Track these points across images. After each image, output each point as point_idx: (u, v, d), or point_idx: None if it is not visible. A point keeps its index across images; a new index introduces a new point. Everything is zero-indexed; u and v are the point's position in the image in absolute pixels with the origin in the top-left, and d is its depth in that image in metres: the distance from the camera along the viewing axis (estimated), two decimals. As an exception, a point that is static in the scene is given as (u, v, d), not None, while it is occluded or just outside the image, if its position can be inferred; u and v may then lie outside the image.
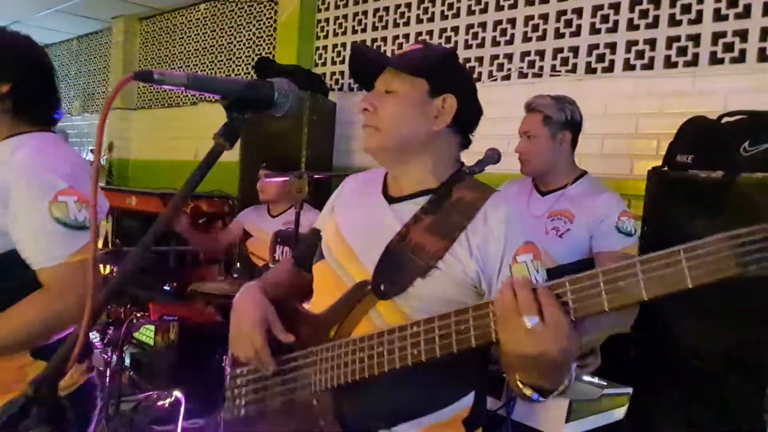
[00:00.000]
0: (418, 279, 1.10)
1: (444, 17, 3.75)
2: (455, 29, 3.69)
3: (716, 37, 2.71)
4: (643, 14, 2.93)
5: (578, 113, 2.20)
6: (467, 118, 1.23)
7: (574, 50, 3.16)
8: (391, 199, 1.23)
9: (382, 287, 1.11)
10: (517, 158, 2.22)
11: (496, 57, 3.48)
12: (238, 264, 3.09)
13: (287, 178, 2.65)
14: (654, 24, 2.89)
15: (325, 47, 4.50)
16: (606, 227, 2.07)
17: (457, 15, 3.68)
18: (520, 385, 0.96)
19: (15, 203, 1.30)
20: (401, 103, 1.16)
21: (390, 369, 1.00)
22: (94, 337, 2.60)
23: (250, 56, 5.20)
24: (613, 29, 3.03)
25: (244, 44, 5.27)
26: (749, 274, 0.66)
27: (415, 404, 1.12)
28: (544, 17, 3.28)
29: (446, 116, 1.17)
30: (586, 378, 1.77)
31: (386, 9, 4.07)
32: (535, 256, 1.12)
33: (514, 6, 3.41)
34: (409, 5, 3.93)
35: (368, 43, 4.18)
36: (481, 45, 3.56)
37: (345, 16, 4.35)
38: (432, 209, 1.16)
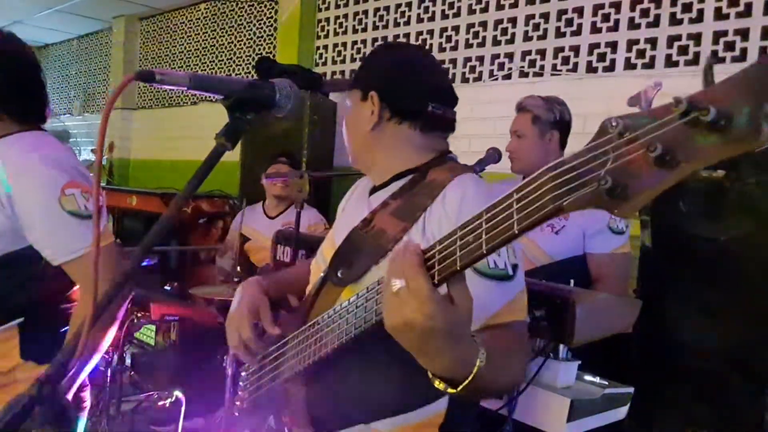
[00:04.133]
0: (374, 266, 1.06)
1: (445, 16, 3.75)
2: (456, 28, 3.69)
3: (717, 36, 2.71)
4: (644, 13, 2.93)
5: (567, 113, 2.22)
6: (404, 102, 1.18)
7: (575, 49, 3.16)
8: (371, 192, 1.25)
9: (339, 274, 1.11)
10: (508, 157, 2.24)
11: (497, 56, 3.47)
12: (239, 268, 3.08)
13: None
14: (655, 23, 2.89)
15: (325, 47, 4.50)
16: (599, 225, 2.10)
17: (457, 14, 3.68)
18: (431, 377, 0.83)
19: (23, 205, 1.29)
20: (348, 116, 1.25)
21: (338, 345, 0.97)
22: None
23: (250, 56, 5.21)
24: (614, 28, 3.03)
25: (245, 44, 5.28)
26: (564, 209, 0.60)
27: (386, 401, 1.09)
28: (545, 16, 3.28)
29: (374, 114, 1.17)
30: (588, 378, 1.77)
31: (387, 8, 4.07)
32: None
33: (515, 5, 3.41)
34: (409, 4, 3.93)
35: (368, 42, 4.18)
36: (482, 44, 3.55)
37: (345, 16, 4.34)
38: (401, 194, 1.15)
